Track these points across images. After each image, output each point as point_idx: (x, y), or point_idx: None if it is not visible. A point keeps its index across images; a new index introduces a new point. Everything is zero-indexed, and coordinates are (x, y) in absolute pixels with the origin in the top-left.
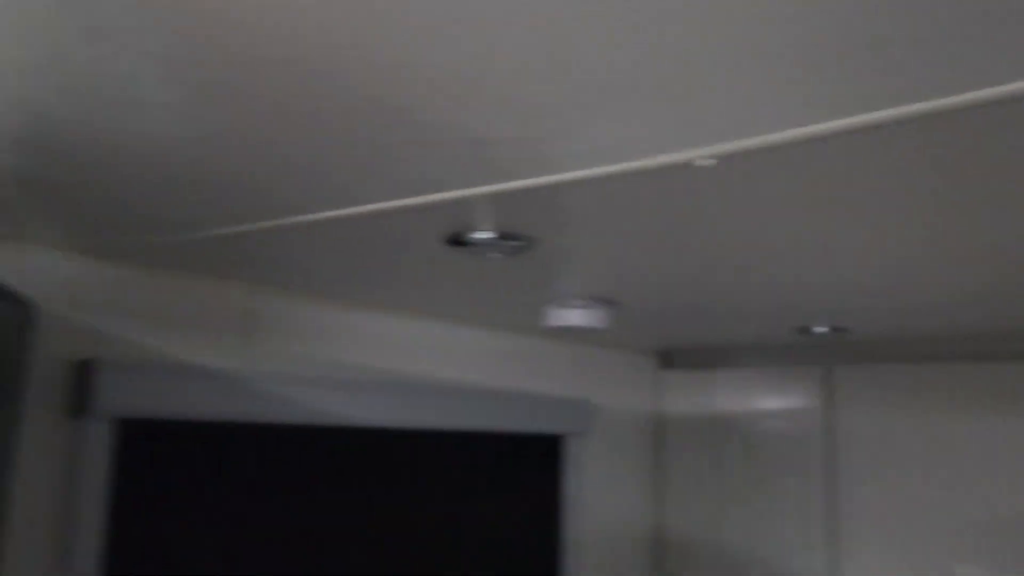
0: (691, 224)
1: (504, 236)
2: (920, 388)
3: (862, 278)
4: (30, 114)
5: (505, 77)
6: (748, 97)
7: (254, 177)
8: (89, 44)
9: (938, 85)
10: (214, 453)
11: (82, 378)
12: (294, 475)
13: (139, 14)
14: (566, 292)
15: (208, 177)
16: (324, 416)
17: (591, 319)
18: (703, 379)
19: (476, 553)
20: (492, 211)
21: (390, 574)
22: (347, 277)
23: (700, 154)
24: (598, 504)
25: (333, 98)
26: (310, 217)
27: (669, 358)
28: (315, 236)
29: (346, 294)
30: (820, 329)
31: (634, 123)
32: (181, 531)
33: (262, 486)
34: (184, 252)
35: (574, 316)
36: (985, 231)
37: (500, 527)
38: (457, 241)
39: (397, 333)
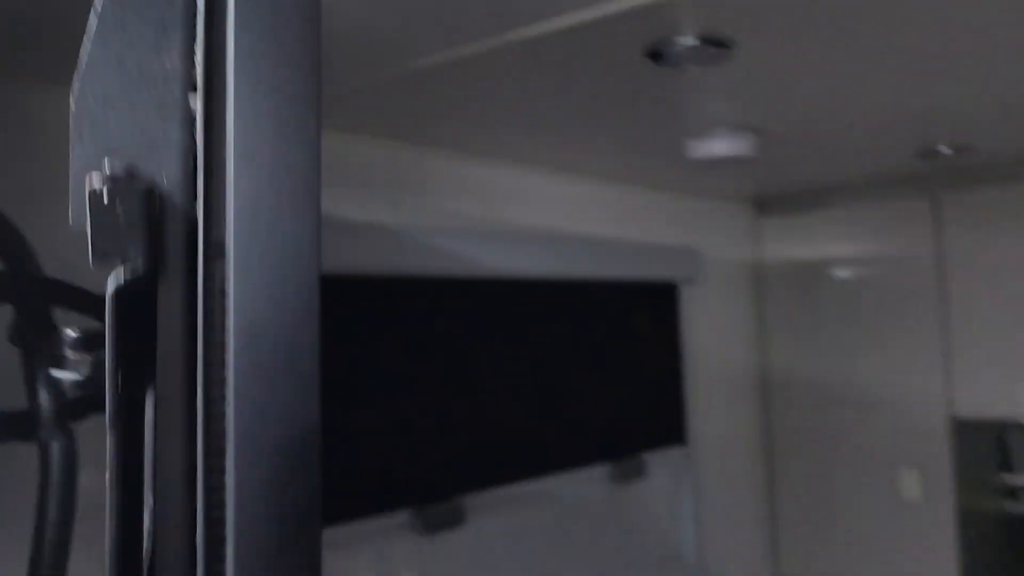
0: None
1: (706, 40)
2: None
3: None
4: None
5: None
6: None
7: None
8: None
9: None
10: (369, 304)
11: None
12: (431, 323)
13: None
14: (720, 119)
15: None
16: (461, 266)
17: (738, 147)
18: (800, 223)
19: (607, 390)
20: (697, 12)
21: (525, 414)
22: (502, 122)
23: None
24: (708, 348)
25: None
26: (511, 36)
27: (765, 205)
28: (505, 62)
29: (486, 148)
30: (944, 150)
31: None
32: (345, 375)
33: (403, 334)
34: (348, 108)
35: (721, 145)
36: None
37: (629, 368)
38: (656, 53)
39: (524, 187)
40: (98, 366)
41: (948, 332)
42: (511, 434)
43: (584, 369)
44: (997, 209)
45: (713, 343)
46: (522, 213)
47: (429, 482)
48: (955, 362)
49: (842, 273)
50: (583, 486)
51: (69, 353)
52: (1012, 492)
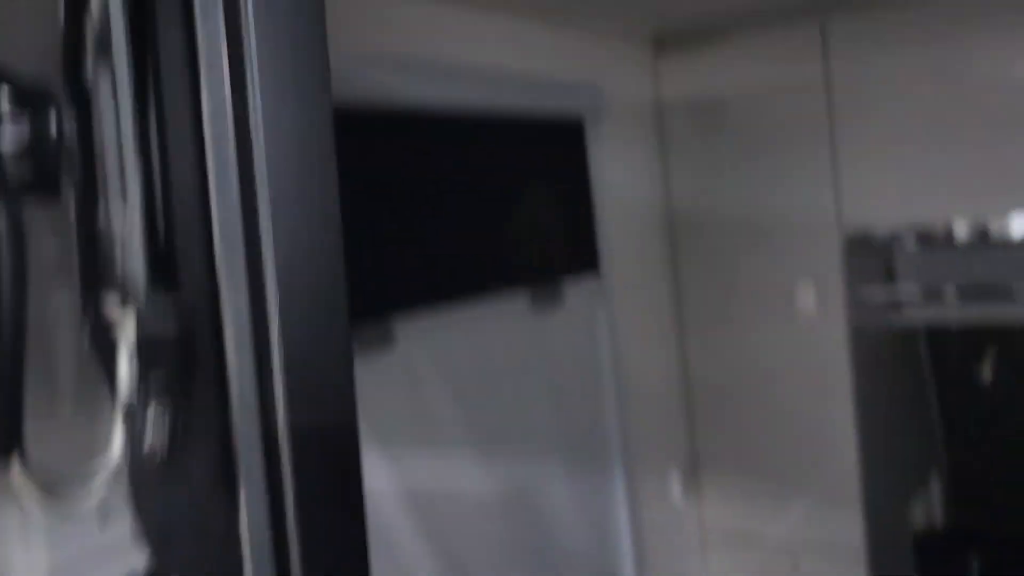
0: None
1: None
2: (919, 26)
3: None
4: None
5: None
6: None
7: None
8: None
9: None
10: None
11: None
12: (355, 153)
13: None
14: None
15: None
16: (392, 97)
17: None
18: (696, 61)
19: (526, 221)
20: None
21: (450, 241)
22: None
23: None
24: (615, 186)
25: None
26: None
27: (662, 45)
28: None
29: None
30: None
31: None
32: None
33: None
34: None
35: None
36: None
37: (544, 202)
38: None
39: (419, 19)
40: (37, 132)
41: (838, 153)
42: (437, 258)
43: (503, 202)
44: (883, 33)
45: (619, 181)
46: (418, 46)
47: (360, 303)
48: (845, 181)
49: (738, 105)
50: (507, 314)
51: (5, 117)
52: (896, 305)
